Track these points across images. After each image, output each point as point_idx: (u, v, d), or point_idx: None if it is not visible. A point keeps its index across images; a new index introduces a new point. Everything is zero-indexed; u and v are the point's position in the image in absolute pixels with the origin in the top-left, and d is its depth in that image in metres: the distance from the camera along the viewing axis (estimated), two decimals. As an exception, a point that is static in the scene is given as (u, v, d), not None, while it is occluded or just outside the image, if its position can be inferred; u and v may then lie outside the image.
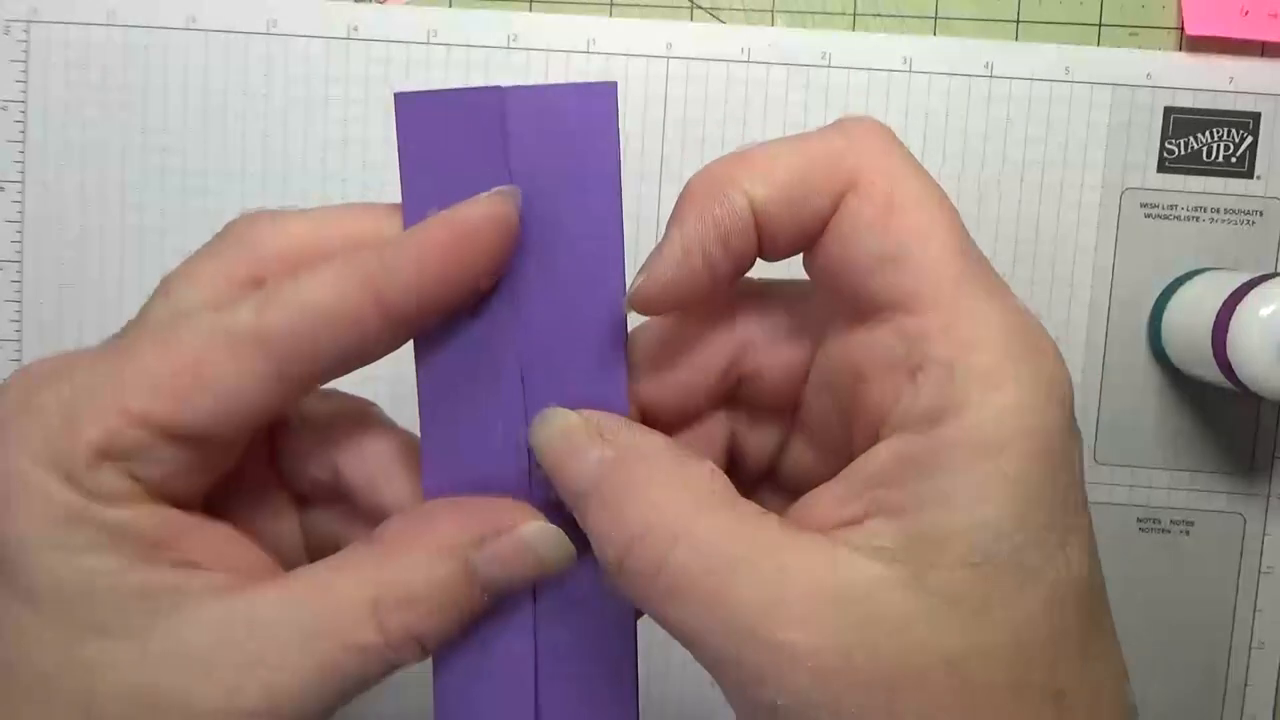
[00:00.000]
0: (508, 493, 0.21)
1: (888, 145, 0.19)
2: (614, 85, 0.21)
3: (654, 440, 0.20)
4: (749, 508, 0.18)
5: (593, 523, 0.19)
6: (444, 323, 0.21)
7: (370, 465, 0.22)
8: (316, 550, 0.23)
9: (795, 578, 0.17)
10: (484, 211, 0.20)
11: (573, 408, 0.21)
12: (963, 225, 0.19)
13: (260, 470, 0.23)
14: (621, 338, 0.22)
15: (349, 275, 0.19)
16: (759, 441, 0.23)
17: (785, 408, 0.22)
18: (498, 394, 0.22)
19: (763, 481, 0.24)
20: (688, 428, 0.22)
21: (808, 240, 0.20)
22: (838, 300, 0.20)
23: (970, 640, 0.17)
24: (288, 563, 0.22)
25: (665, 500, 0.18)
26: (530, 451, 0.21)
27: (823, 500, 0.19)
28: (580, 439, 0.20)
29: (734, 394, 0.22)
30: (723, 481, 0.19)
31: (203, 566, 0.20)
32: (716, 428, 0.23)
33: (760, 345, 0.21)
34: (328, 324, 0.19)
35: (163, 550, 0.20)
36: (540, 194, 0.21)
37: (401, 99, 0.22)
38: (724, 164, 0.20)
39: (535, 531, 0.20)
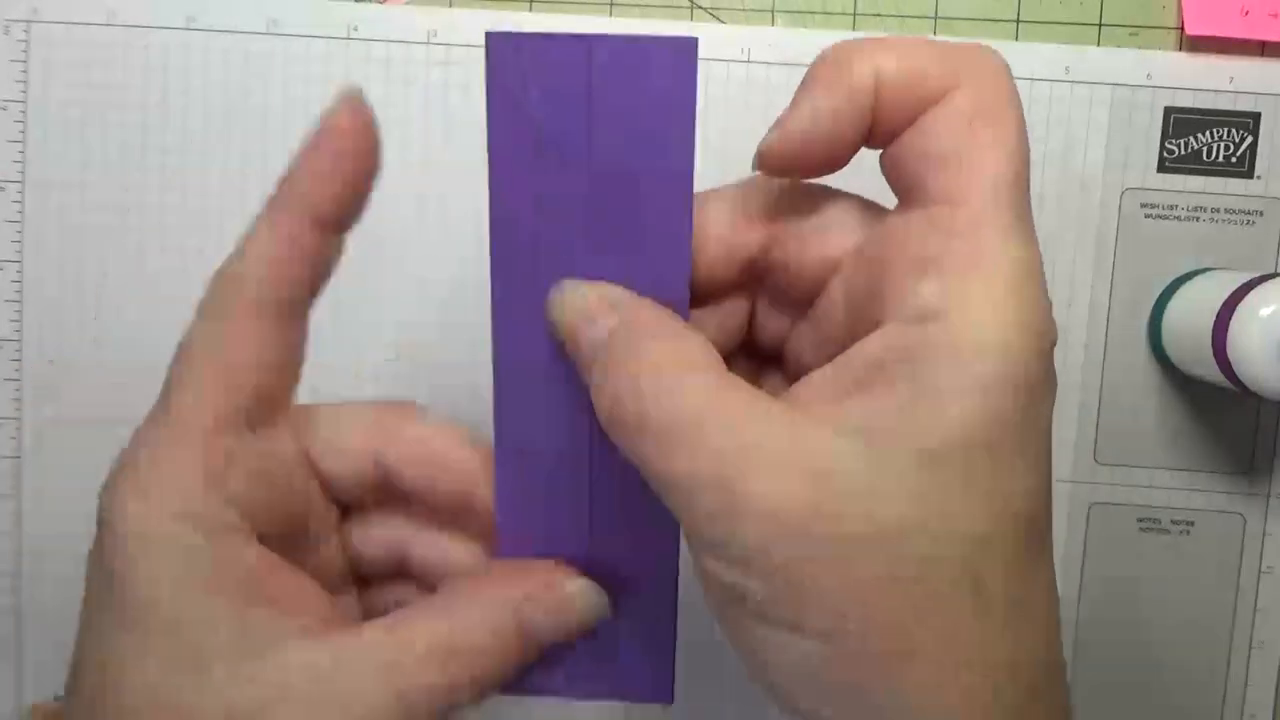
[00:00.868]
0: (568, 545, 0.24)
1: (999, 68, 0.21)
2: (695, 41, 0.22)
3: (658, 312, 0.21)
4: (734, 379, 0.20)
5: (595, 380, 0.21)
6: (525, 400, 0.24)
7: (438, 543, 0.25)
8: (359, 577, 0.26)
9: (767, 439, 0.19)
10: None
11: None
12: (1029, 165, 0.20)
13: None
14: (687, 304, 0.23)
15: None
16: (776, 326, 0.24)
17: (804, 301, 0.23)
18: (569, 460, 0.24)
19: (771, 364, 0.25)
20: (710, 304, 0.24)
21: (905, 125, 0.21)
22: (897, 190, 0.21)
23: (917, 521, 0.18)
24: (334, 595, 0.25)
25: (656, 361, 0.20)
26: (590, 514, 0.24)
27: (813, 382, 0.21)
28: (594, 309, 0.22)
29: (760, 279, 0.24)
30: (714, 356, 0.20)
31: (286, 607, 0.22)
32: (737, 308, 0.24)
33: (791, 240, 0.23)
34: None
35: (259, 589, 0.22)
36: (617, 146, 0.22)
37: (494, 38, 0.22)
38: (856, 42, 0.21)
39: (577, 588, 0.23)
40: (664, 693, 0.26)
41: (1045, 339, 0.19)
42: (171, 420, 0.22)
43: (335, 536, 0.25)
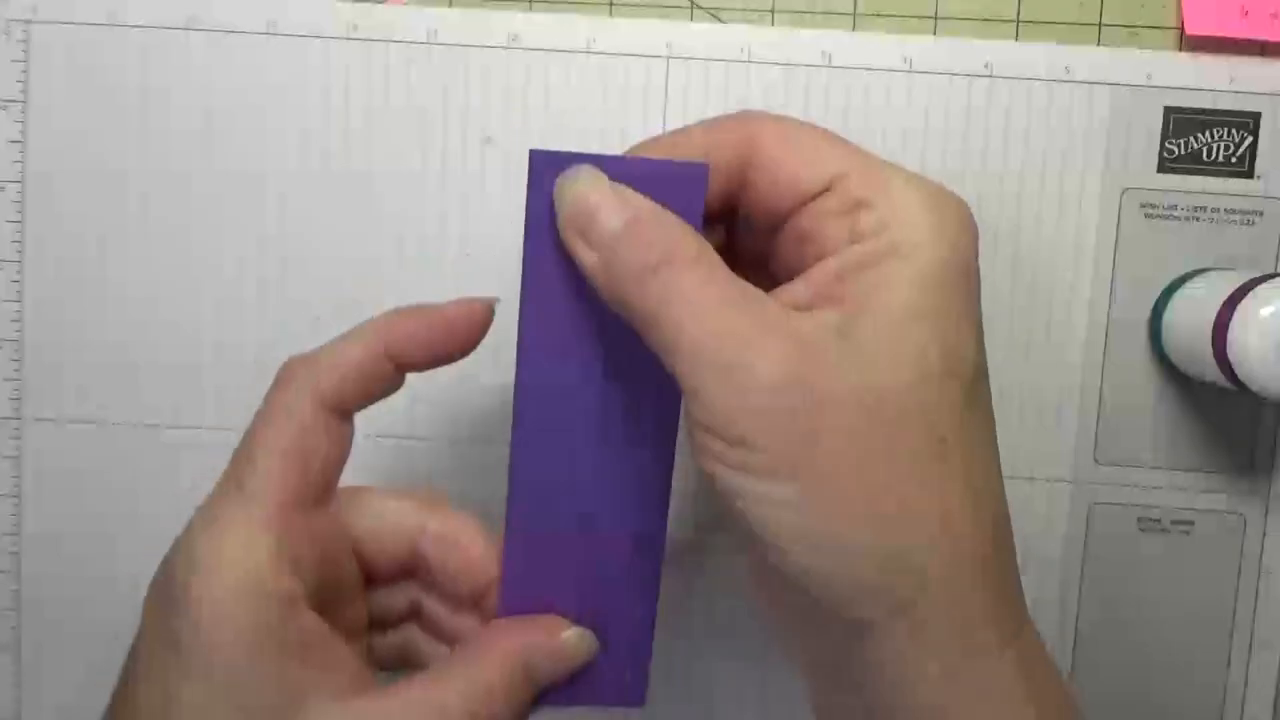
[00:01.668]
0: (563, 595, 0.29)
1: (770, 114, 0.27)
2: (705, 167, 0.26)
3: (665, 213, 0.25)
4: (733, 275, 0.24)
5: (617, 252, 0.24)
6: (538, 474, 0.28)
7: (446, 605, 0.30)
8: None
9: (760, 320, 0.23)
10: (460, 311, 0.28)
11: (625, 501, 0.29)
12: None
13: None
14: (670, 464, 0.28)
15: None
16: (749, 247, 0.29)
17: (774, 228, 0.27)
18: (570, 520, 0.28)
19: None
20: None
21: (773, 213, 0.27)
22: (795, 216, 0.27)
23: (878, 382, 0.23)
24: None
25: (671, 241, 0.24)
26: (581, 568, 0.29)
27: (783, 294, 0.25)
28: (609, 199, 0.25)
29: (734, 210, 0.28)
30: (718, 257, 0.25)
31: (327, 668, 0.25)
32: (715, 233, 0.29)
33: (763, 178, 0.27)
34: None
35: (308, 653, 0.25)
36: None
37: (535, 156, 0.26)
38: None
39: (571, 636, 0.28)
40: (637, 697, 0.30)
41: (966, 228, 0.25)
42: (246, 498, 0.26)
43: (361, 598, 0.29)
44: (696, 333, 0.23)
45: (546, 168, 0.25)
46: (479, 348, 0.28)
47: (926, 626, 0.24)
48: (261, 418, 0.27)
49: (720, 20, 0.38)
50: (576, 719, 0.31)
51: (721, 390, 0.23)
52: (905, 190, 0.25)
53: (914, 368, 0.23)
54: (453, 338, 0.28)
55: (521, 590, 0.29)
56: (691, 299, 0.23)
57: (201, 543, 0.25)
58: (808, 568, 0.23)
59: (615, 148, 0.37)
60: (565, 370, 0.27)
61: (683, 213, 0.25)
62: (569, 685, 0.29)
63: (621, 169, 0.25)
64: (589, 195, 0.25)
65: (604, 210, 0.24)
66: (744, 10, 0.38)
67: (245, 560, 0.25)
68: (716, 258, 0.24)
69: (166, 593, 0.25)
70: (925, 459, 0.23)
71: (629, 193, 0.25)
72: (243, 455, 0.27)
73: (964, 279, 0.25)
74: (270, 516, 0.25)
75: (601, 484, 0.28)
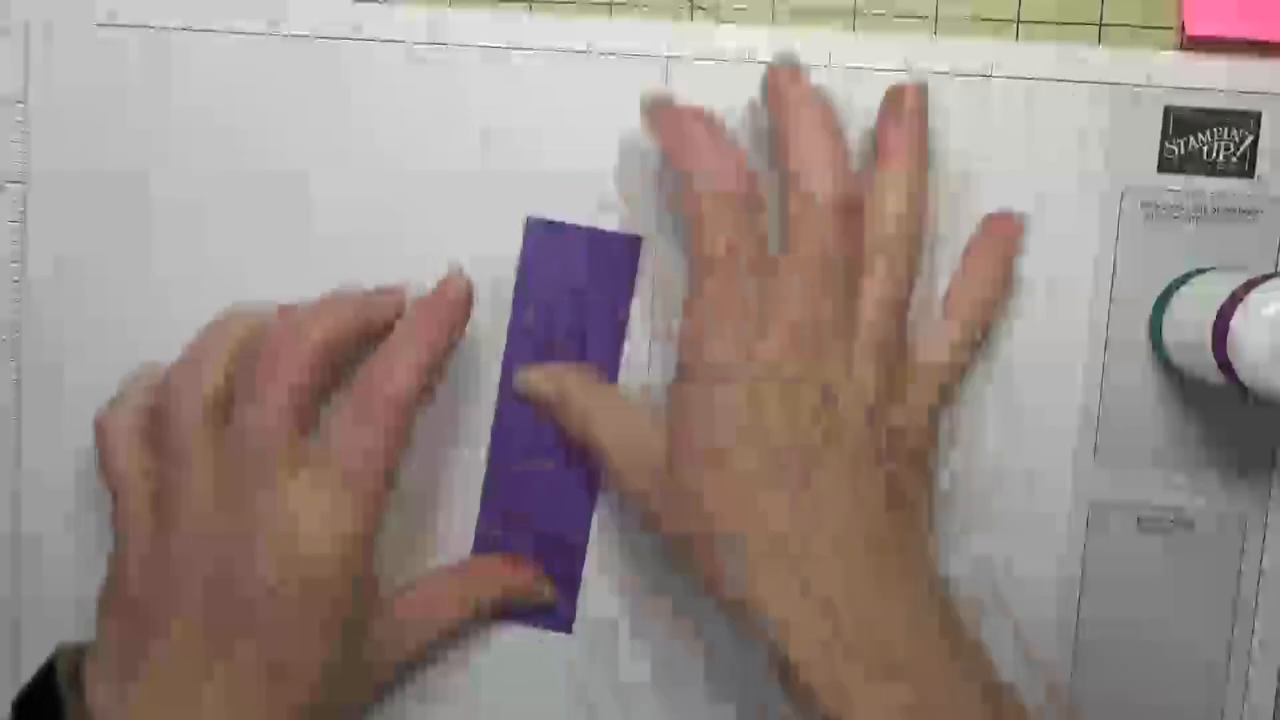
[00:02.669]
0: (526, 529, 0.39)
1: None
2: (639, 239, 0.38)
3: (581, 372, 0.37)
4: (620, 397, 0.37)
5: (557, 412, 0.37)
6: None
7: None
8: None
9: (635, 423, 0.35)
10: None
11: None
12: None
13: None
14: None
15: None
16: None
17: None
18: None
19: None
20: None
21: None
22: None
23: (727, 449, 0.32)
24: None
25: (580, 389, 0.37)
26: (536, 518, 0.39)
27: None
28: (545, 386, 0.37)
29: None
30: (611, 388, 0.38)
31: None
32: None
33: None
34: None
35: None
36: (569, 308, 0.38)
37: (531, 223, 0.38)
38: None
39: (546, 585, 0.39)
40: (565, 624, 0.39)
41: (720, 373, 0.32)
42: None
43: None
44: (597, 434, 0.36)
45: (532, 232, 0.38)
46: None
47: None
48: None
49: (720, 20, 0.38)
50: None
51: (618, 471, 0.36)
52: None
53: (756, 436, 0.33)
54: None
55: (493, 517, 0.39)
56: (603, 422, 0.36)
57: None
58: (725, 594, 0.33)
59: (615, 147, 0.38)
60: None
61: (616, 277, 0.37)
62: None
63: (564, 238, 0.37)
64: (540, 387, 0.37)
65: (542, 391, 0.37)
66: (744, 10, 0.38)
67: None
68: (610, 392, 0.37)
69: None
70: (785, 507, 0.32)
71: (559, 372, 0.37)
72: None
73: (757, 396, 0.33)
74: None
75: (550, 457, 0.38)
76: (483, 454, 0.39)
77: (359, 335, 0.34)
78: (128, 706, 0.32)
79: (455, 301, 0.34)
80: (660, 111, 0.35)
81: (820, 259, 0.32)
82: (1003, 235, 0.37)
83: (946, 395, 0.36)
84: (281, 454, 0.32)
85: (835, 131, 0.33)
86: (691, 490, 0.32)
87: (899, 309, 0.34)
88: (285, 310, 0.35)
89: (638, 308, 0.38)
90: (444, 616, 0.37)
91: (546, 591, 0.38)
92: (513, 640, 0.39)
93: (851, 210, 0.33)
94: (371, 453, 0.32)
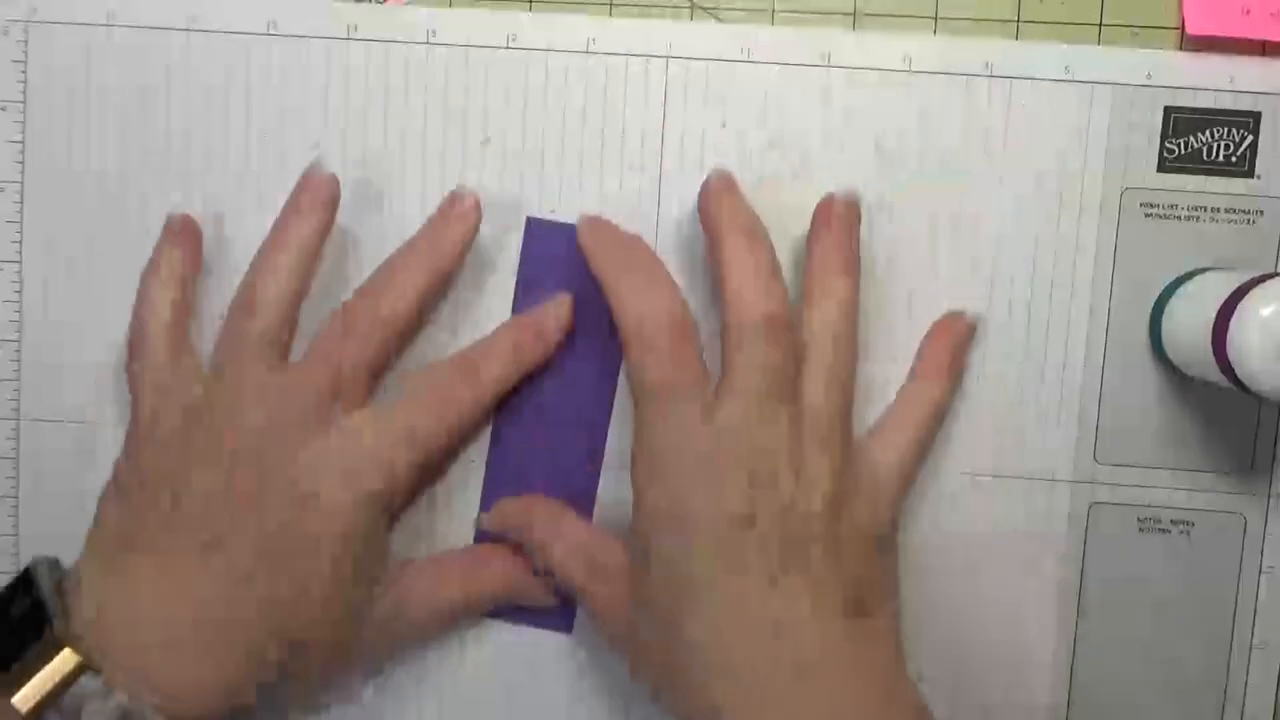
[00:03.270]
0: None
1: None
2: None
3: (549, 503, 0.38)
4: (582, 523, 0.37)
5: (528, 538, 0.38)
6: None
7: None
8: None
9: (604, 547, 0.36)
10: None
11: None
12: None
13: None
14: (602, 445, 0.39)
15: None
16: None
17: None
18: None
19: None
20: None
21: None
22: None
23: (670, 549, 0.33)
24: None
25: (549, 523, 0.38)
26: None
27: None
28: (516, 518, 0.38)
29: None
30: (577, 519, 0.38)
31: None
32: None
33: None
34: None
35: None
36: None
37: (530, 223, 0.38)
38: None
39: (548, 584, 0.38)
40: (565, 624, 0.39)
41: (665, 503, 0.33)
42: None
43: None
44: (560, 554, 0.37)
45: (532, 232, 0.38)
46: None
47: None
48: None
49: (720, 20, 0.38)
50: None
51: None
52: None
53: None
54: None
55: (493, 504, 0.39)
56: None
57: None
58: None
59: (615, 147, 0.38)
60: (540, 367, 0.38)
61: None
62: (518, 609, 0.38)
63: (564, 238, 0.37)
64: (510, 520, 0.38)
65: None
66: (744, 10, 0.38)
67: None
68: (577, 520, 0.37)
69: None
70: (740, 588, 0.32)
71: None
72: None
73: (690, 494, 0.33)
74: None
75: (555, 443, 0.39)
76: (483, 454, 0.39)
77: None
78: (121, 578, 0.32)
79: (462, 214, 0.37)
80: (597, 233, 0.35)
81: (757, 389, 0.32)
82: (955, 333, 0.37)
83: (902, 489, 0.36)
84: (344, 393, 0.35)
85: (766, 248, 0.34)
86: (658, 643, 0.33)
87: (843, 413, 0.34)
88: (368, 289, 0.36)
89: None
90: (444, 596, 0.37)
91: (546, 592, 0.38)
92: (513, 640, 0.39)
93: (783, 327, 0.33)
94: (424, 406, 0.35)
